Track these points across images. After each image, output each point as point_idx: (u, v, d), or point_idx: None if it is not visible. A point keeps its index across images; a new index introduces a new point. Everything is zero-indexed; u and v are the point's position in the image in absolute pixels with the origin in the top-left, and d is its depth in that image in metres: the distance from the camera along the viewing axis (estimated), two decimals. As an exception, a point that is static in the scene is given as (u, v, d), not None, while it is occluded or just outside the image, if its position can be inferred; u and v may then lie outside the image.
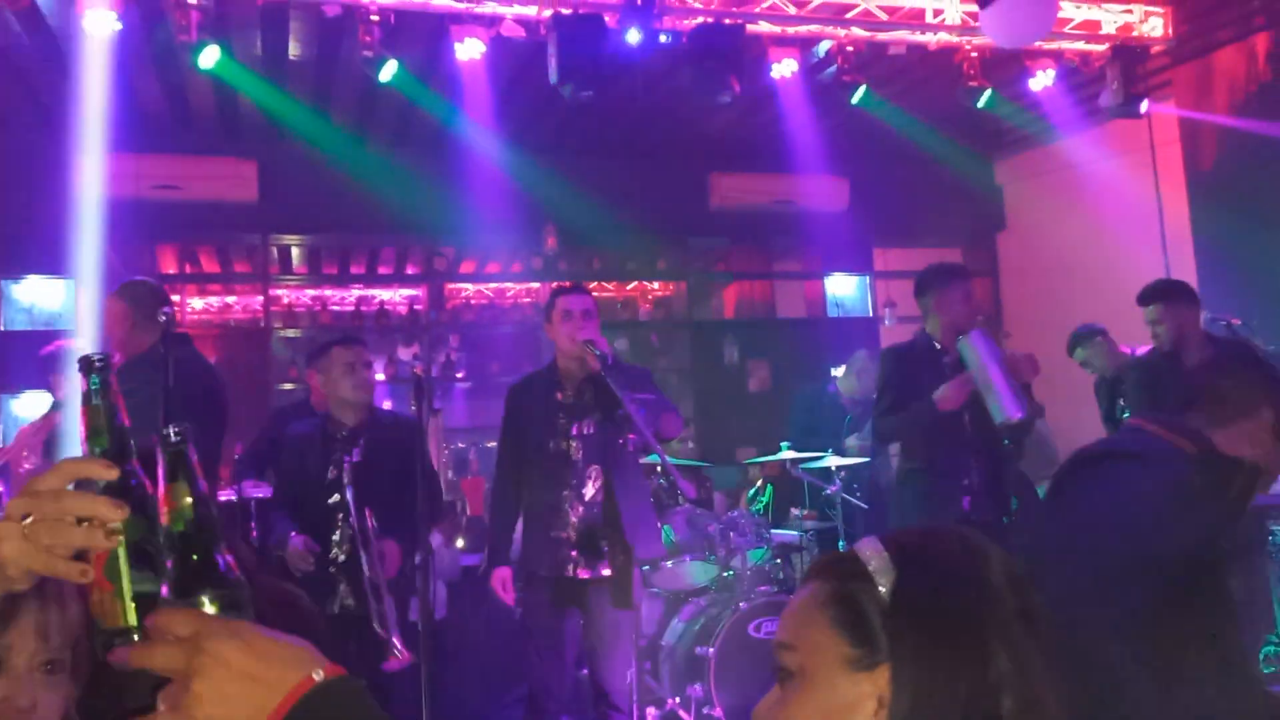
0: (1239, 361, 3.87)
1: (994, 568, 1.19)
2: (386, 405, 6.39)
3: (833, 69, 5.92)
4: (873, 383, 5.85)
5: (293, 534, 3.81)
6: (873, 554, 1.10)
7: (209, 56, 4.94)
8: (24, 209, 6.44)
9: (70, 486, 0.98)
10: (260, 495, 4.55)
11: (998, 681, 1.03)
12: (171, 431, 0.93)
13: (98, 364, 0.99)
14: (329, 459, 3.93)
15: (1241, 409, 2.19)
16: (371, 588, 3.53)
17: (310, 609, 1.89)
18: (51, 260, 6.30)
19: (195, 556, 0.92)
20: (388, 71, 5.16)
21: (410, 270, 8.30)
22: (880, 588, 1.07)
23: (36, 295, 7.05)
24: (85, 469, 0.98)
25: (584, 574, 3.73)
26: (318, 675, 0.84)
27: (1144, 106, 6.15)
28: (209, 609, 0.90)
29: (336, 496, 3.86)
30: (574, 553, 3.72)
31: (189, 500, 0.93)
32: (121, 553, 0.95)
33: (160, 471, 0.94)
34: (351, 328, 7.57)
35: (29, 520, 0.97)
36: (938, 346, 4.29)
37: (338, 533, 3.87)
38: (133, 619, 0.95)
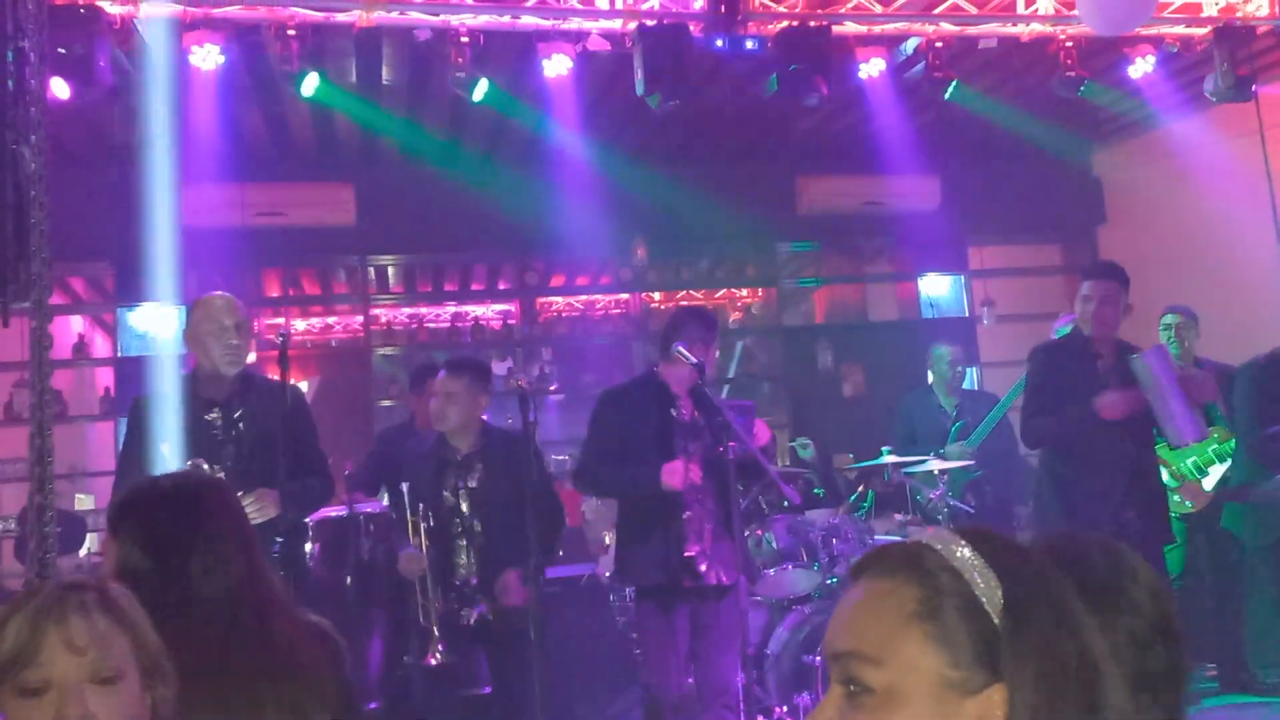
0: None
1: (1140, 580, 1.15)
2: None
3: (921, 66, 5.80)
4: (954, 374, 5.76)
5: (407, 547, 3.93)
6: (962, 550, 0.94)
7: (309, 84, 5.11)
8: (138, 239, 6.70)
9: None
10: (370, 510, 4.66)
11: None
12: None
13: None
14: (443, 483, 3.97)
15: None
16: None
17: (336, 640, 1.93)
18: (163, 288, 6.53)
19: None
20: (479, 91, 5.24)
21: (502, 286, 8.43)
22: (981, 596, 0.91)
23: (149, 323, 7.34)
24: None
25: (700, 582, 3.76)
26: None
27: (1252, 86, 5.89)
28: None
29: (457, 522, 3.94)
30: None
31: None
32: None
33: None
34: (450, 345, 7.74)
35: None
36: (1092, 347, 4.07)
37: (463, 556, 3.95)
38: None
